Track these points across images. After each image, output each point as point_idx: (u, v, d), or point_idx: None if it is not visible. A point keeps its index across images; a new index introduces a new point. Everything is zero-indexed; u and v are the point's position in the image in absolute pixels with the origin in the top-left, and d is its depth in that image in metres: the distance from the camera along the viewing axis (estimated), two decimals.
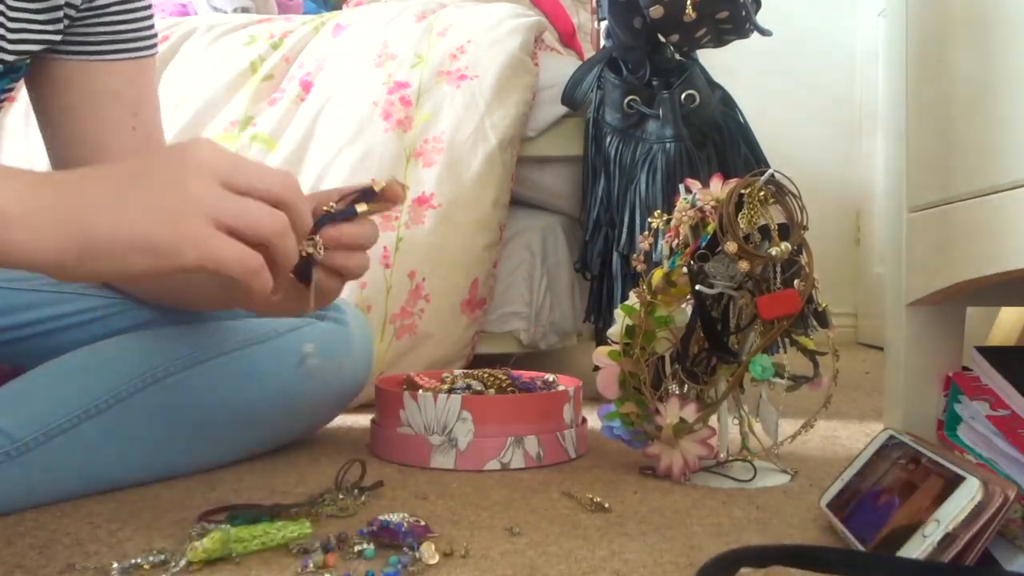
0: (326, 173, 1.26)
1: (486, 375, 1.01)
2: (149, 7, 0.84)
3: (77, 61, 0.79)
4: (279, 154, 1.29)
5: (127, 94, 0.82)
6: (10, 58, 0.76)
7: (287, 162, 1.28)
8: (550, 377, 1.03)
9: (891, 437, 0.68)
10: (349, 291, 1.20)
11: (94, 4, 0.78)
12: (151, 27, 0.84)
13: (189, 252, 0.53)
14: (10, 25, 0.74)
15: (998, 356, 0.80)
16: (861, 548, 0.59)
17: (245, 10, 1.80)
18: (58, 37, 0.77)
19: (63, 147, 0.81)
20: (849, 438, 1.03)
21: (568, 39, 1.80)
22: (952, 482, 0.55)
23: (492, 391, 0.97)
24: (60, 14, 0.77)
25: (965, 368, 0.87)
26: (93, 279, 0.54)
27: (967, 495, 0.53)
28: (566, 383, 1.02)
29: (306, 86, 1.36)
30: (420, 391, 0.92)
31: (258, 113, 1.35)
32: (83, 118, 0.80)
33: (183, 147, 0.56)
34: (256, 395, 0.85)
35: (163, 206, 0.53)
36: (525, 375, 1.04)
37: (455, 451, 0.87)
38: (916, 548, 0.53)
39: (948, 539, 0.52)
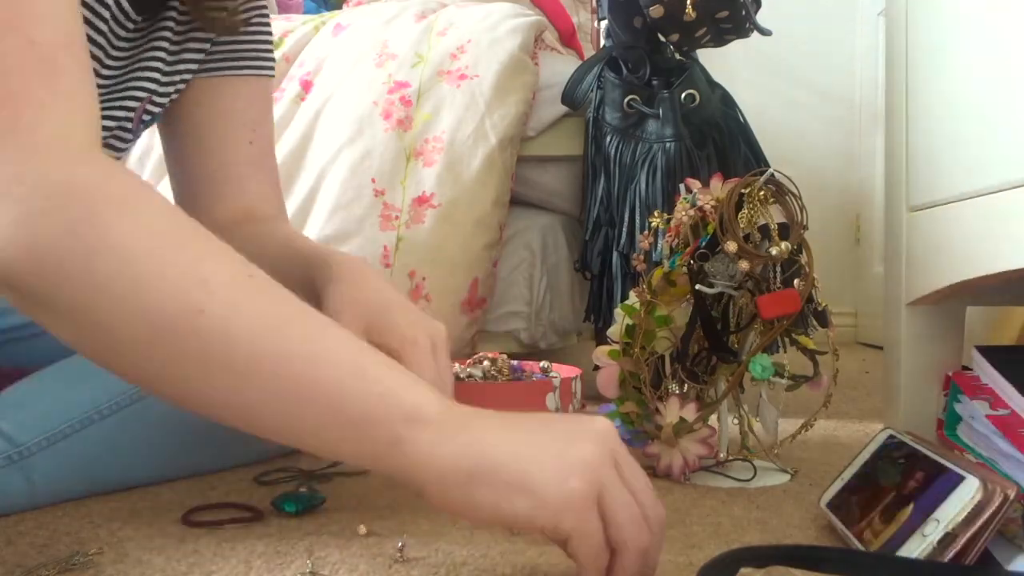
0: (326, 173, 1.26)
1: (488, 364, 1.05)
2: (270, 27, 0.91)
3: (206, 79, 0.86)
4: (279, 153, 1.29)
5: (247, 112, 0.88)
6: (165, 101, 0.84)
7: (288, 161, 1.29)
8: (546, 364, 1.07)
9: (891, 436, 0.68)
10: None
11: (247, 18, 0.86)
12: (271, 47, 0.90)
13: (569, 515, 0.48)
14: (166, 70, 0.81)
15: (998, 355, 0.80)
16: (861, 548, 0.59)
17: None
18: (197, 67, 0.85)
19: (187, 163, 0.87)
20: (849, 438, 1.03)
21: (568, 39, 1.80)
22: (951, 481, 0.55)
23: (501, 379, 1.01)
24: (206, 46, 0.85)
25: (965, 367, 0.87)
26: (459, 509, 0.50)
27: (967, 494, 0.53)
28: (562, 372, 1.05)
29: (306, 86, 1.36)
30: None
31: None
32: (206, 135, 0.86)
33: (586, 418, 0.53)
34: None
35: (561, 459, 0.49)
36: (527, 365, 1.07)
37: None
38: (916, 547, 0.53)
39: (948, 538, 0.52)
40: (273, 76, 0.91)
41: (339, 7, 1.87)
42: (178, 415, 0.79)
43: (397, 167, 1.25)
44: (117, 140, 0.82)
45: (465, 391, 0.95)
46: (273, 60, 0.91)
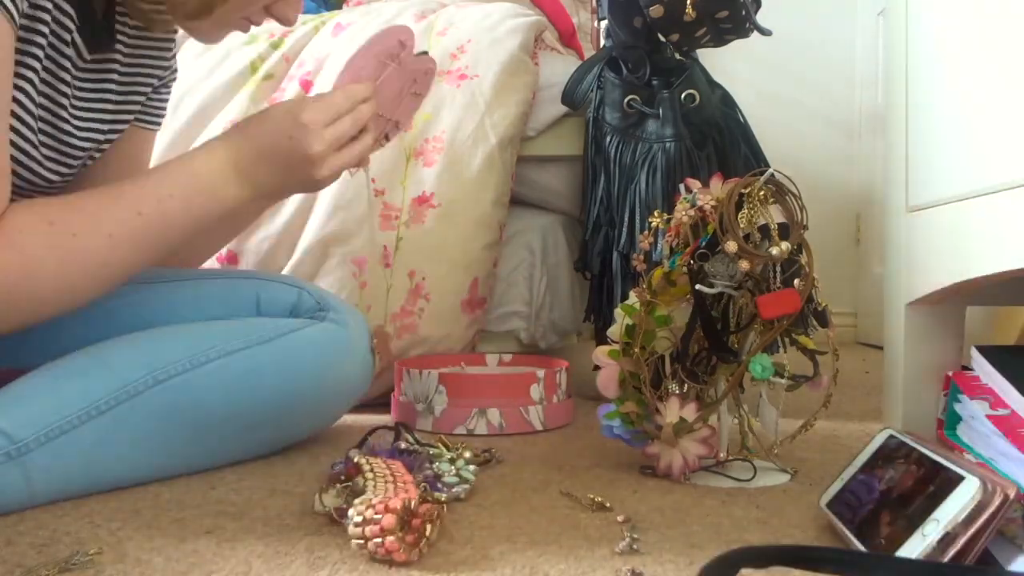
0: None
1: None
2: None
3: (135, 128, 0.96)
4: None
5: (136, 154, 0.98)
6: (107, 147, 0.92)
7: None
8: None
9: (891, 436, 0.68)
10: (349, 291, 1.20)
11: (166, 81, 0.99)
12: (166, 106, 1.02)
13: (325, 183, 0.87)
14: (109, 119, 0.89)
15: (998, 355, 0.80)
16: (861, 548, 0.59)
17: None
18: (139, 109, 0.95)
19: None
20: (849, 438, 1.03)
21: (568, 38, 1.80)
22: (951, 481, 0.55)
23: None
24: (147, 91, 0.95)
25: (965, 367, 0.87)
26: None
27: (966, 494, 0.53)
28: (546, 365, 1.18)
29: (306, 85, 1.36)
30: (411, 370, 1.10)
31: None
32: (100, 165, 0.92)
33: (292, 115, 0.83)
34: (258, 397, 0.85)
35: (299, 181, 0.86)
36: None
37: (432, 417, 1.06)
38: (916, 547, 0.53)
39: (948, 538, 0.52)
40: (159, 128, 1.03)
41: (339, 7, 1.87)
42: (177, 411, 0.80)
43: (397, 167, 1.25)
44: (60, 183, 0.86)
45: (454, 381, 1.07)
46: (164, 115, 1.02)
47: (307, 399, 0.90)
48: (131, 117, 0.93)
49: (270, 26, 1.48)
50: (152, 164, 1.13)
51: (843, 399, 1.32)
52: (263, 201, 0.96)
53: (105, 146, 0.91)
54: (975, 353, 0.82)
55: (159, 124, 1.02)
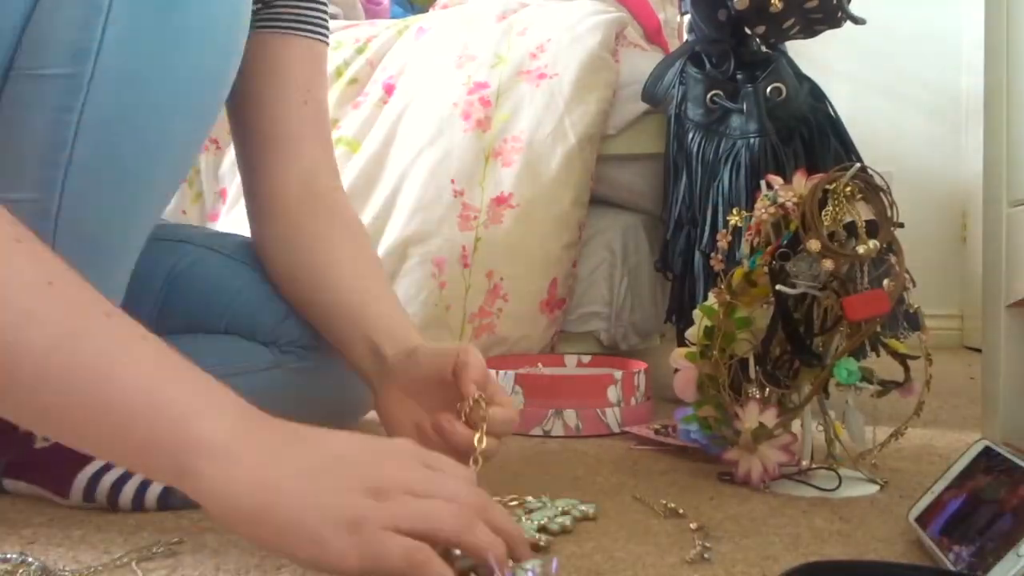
0: (407, 174, 1.28)
1: None
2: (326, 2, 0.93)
3: (258, 34, 0.86)
4: (362, 156, 1.32)
5: (299, 73, 0.89)
6: None
7: (370, 164, 1.31)
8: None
9: (987, 448, 0.64)
10: (428, 291, 1.21)
11: None
12: (325, 17, 0.92)
13: (353, 560, 0.47)
14: None
15: None
16: (950, 567, 0.55)
17: (332, 16, 1.84)
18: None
19: (245, 125, 0.89)
20: (946, 448, 0.97)
21: (654, 35, 1.77)
22: None
23: None
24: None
25: None
26: (248, 540, 0.51)
27: None
28: (625, 366, 1.16)
29: (389, 89, 1.38)
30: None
31: (343, 116, 1.38)
32: (261, 91, 0.88)
33: (383, 447, 0.55)
34: None
35: (339, 510, 0.48)
36: None
37: None
38: (1009, 568, 0.49)
39: None
40: (326, 44, 0.92)
41: (426, 10, 1.89)
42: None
43: (476, 167, 1.25)
44: None
45: (531, 381, 1.06)
46: (327, 30, 0.92)
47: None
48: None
49: (356, 31, 1.52)
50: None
51: (944, 406, 1.25)
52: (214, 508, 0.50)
53: None
54: None
55: (309, 33, 0.89)
